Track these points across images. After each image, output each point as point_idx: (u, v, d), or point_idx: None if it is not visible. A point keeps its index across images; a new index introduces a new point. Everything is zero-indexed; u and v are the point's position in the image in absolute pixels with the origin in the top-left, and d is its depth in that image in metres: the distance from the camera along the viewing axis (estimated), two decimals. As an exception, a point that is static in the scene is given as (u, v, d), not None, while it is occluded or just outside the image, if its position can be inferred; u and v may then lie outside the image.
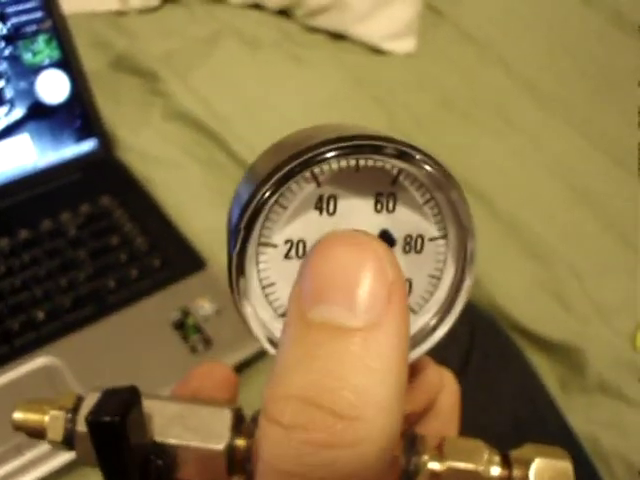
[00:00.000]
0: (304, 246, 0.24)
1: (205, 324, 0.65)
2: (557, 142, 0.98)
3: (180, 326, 0.64)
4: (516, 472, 0.23)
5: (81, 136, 0.79)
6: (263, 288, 0.24)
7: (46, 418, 0.26)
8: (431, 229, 0.24)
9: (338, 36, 1.08)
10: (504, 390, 0.53)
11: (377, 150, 0.22)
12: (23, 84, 0.75)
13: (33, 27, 0.75)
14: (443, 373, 0.28)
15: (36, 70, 0.75)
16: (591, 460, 0.56)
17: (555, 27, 1.18)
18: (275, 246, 0.24)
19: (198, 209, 0.79)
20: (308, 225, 0.24)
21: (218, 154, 0.86)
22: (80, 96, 0.78)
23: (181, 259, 0.71)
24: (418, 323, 0.25)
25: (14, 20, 0.74)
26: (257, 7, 1.09)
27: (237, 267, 0.23)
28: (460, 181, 0.84)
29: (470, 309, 0.62)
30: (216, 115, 0.89)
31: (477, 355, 0.53)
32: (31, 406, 0.26)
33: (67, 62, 0.77)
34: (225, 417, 0.25)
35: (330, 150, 0.22)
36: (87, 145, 0.80)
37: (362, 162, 0.23)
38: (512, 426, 0.51)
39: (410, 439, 0.24)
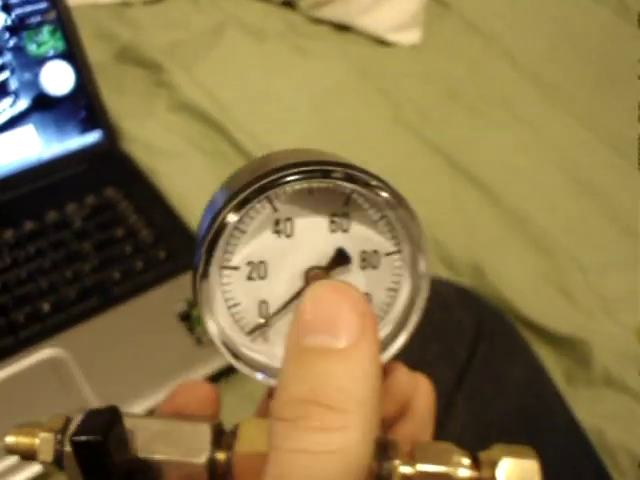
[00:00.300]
0: (265, 267, 0.26)
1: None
2: (562, 135, 0.97)
3: (186, 317, 0.64)
4: (485, 473, 0.23)
5: (86, 127, 0.79)
6: (229, 308, 0.26)
7: (37, 440, 0.26)
8: (385, 245, 0.26)
9: (343, 27, 1.07)
10: (511, 382, 0.53)
11: (327, 174, 0.24)
12: (27, 75, 0.75)
13: (37, 18, 0.75)
14: (418, 378, 0.31)
15: (40, 61, 0.75)
16: (597, 453, 0.56)
17: (560, 19, 1.17)
18: (237, 268, 0.26)
19: (203, 200, 0.78)
20: (267, 247, 0.26)
21: (223, 145, 0.86)
22: (85, 87, 0.78)
23: (186, 250, 0.71)
24: (380, 334, 0.26)
25: (18, 11, 0.74)
26: (261, -2, 1.08)
27: (200, 289, 0.25)
28: (465, 173, 0.85)
29: (477, 300, 0.62)
30: (221, 106, 0.89)
31: (484, 346, 0.53)
32: (22, 430, 0.27)
33: (72, 53, 0.77)
34: (205, 432, 0.26)
35: (284, 176, 0.24)
36: (92, 137, 0.80)
37: (315, 185, 0.25)
38: (519, 418, 0.51)
39: (382, 445, 0.24)
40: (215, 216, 0.25)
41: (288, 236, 0.26)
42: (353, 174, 0.25)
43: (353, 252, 0.26)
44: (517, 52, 1.09)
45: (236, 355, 0.27)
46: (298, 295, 0.26)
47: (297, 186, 0.25)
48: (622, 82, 1.06)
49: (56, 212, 0.73)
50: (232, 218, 0.24)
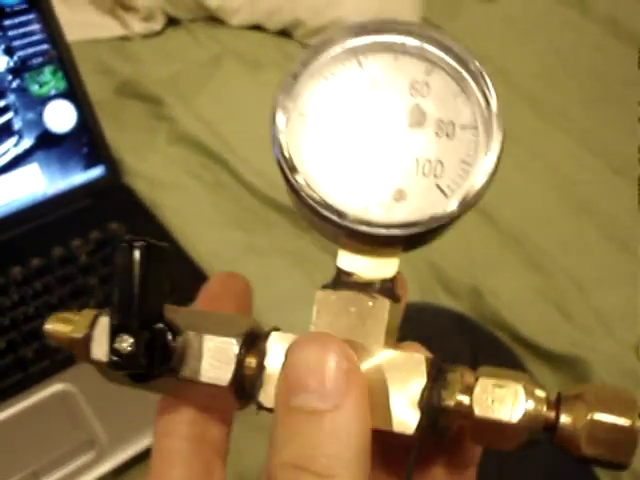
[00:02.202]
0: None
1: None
2: (556, 152, 0.99)
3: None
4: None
5: (89, 163, 0.81)
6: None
7: (72, 325, 0.27)
8: (462, 117, 0.26)
9: (338, 54, 1.09)
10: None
11: (414, 35, 0.27)
12: (31, 115, 0.77)
13: (39, 59, 0.77)
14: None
15: (43, 101, 0.77)
16: (597, 475, 0.57)
17: (552, 38, 1.19)
18: (317, 110, 0.27)
19: (205, 231, 0.81)
20: (348, 100, 0.27)
21: (223, 176, 0.88)
22: (87, 124, 0.80)
23: (188, 282, 0.72)
24: (447, 205, 0.26)
25: (20, 53, 0.76)
26: (257, 28, 1.10)
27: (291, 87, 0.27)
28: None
29: (474, 327, 0.63)
30: (220, 137, 0.91)
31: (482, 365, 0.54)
32: (59, 317, 0.28)
33: (73, 92, 0.79)
34: (244, 321, 0.27)
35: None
36: (95, 172, 0.82)
37: (402, 48, 0.27)
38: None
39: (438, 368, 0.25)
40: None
41: (369, 92, 0.27)
42: (441, 40, 0.26)
43: (430, 116, 0.27)
44: (510, 71, 1.11)
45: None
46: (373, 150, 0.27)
47: (388, 45, 0.27)
48: (615, 98, 1.08)
49: (61, 248, 0.74)
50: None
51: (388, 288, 0.27)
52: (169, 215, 0.81)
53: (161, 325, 0.24)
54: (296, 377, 0.22)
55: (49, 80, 0.78)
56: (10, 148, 0.76)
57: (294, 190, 0.26)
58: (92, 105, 0.80)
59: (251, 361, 0.25)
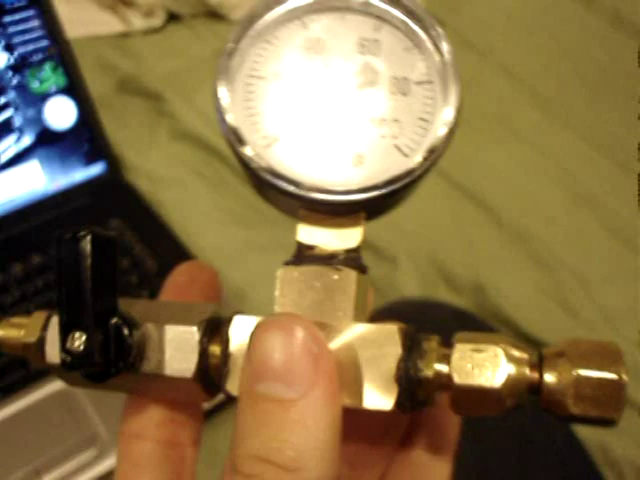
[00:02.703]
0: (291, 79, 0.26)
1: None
2: (560, 148, 0.98)
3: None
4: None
5: (89, 160, 0.81)
6: (250, 116, 0.26)
7: (23, 330, 0.26)
8: (416, 73, 0.25)
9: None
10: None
11: None
12: (31, 112, 0.76)
13: (39, 56, 0.76)
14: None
15: (43, 97, 0.77)
16: (599, 469, 0.56)
17: (556, 32, 1.18)
18: (263, 78, 0.26)
19: (206, 228, 0.80)
20: (295, 63, 0.26)
21: (224, 172, 0.88)
22: (87, 121, 0.80)
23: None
24: (407, 164, 0.25)
25: (21, 50, 0.75)
26: (258, 23, 1.10)
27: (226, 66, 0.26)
28: (463, 190, 0.86)
29: (474, 322, 0.62)
30: (221, 134, 0.90)
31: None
32: (8, 322, 0.27)
33: (73, 88, 0.79)
34: (205, 308, 0.25)
35: None
36: (96, 168, 0.81)
37: (347, 5, 0.26)
38: (518, 439, 0.52)
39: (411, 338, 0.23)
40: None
41: (317, 53, 0.26)
42: None
43: (383, 74, 0.26)
44: (513, 67, 1.10)
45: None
46: (320, 106, 0.26)
47: (331, 4, 0.26)
48: (619, 93, 1.07)
49: (62, 245, 0.74)
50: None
51: (353, 259, 0.26)
52: (170, 211, 0.80)
53: (116, 319, 0.23)
54: (260, 363, 0.21)
55: (49, 77, 0.77)
56: (10, 145, 0.75)
57: (245, 164, 0.25)
58: (92, 101, 0.80)
59: (215, 349, 0.24)
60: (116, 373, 0.23)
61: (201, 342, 0.24)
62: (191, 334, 0.24)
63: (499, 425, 0.54)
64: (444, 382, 0.23)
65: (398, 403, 0.23)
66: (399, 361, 0.23)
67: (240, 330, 0.24)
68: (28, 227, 0.77)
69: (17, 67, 0.75)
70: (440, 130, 0.25)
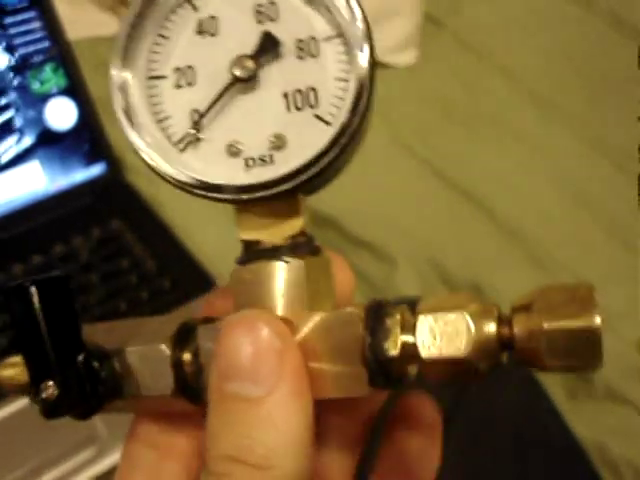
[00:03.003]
0: (193, 72, 0.24)
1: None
2: (558, 149, 0.99)
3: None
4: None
5: (90, 160, 0.81)
6: (158, 122, 0.24)
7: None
8: (321, 29, 0.23)
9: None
10: (506, 403, 0.54)
11: None
12: (32, 113, 0.77)
13: (40, 57, 0.77)
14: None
15: (44, 98, 0.77)
16: (596, 468, 0.57)
17: (555, 34, 1.18)
18: (164, 77, 0.24)
19: (206, 229, 0.81)
20: (193, 50, 0.24)
21: (224, 173, 0.88)
22: (88, 121, 0.80)
23: (190, 279, 0.73)
24: (330, 134, 0.23)
25: (22, 51, 0.76)
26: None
27: (116, 97, 0.24)
28: (462, 191, 0.86)
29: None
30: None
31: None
32: (8, 362, 0.26)
33: (74, 89, 0.79)
34: (173, 320, 0.25)
35: None
36: (96, 169, 0.81)
37: None
38: (515, 440, 0.52)
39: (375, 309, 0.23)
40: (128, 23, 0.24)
41: (213, 35, 0.24)
42: None
43: (287, 40, 0.23)
44: (512, 68, 1.11)
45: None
46: (225, 91, 0.24)
47: None
48: (618, 94, 1.07)
49: (63, 245, 0.75)
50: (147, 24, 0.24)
51: (301, 244, 0.24)
52: (171, 212, 0.80)
53: (83, 355, 0.23)
54: (227, 363, 0.21)
55: (50, 78, 0.78)
56: (11, 146, 0.76)
57: (156, 173, 0.24)
58: (93, 102, 0.80)
59: (188, 358, 0.24)
60: (100, 406, 0.23)
61: (173, 357, 0.23)
62: (161, 351, 0.24)
63: (496, 428, 0.54)
64: (412, 357, 0.22)
65: (373, 384, 0.22)
66: (363, 345, 0.22)
67: (208, 338, 0.23)
68: (29, 228, 0.77)
69: (18, 68, 0.76)
70: (360, 85, 0.23)
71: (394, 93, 1.05)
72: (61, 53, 0.78)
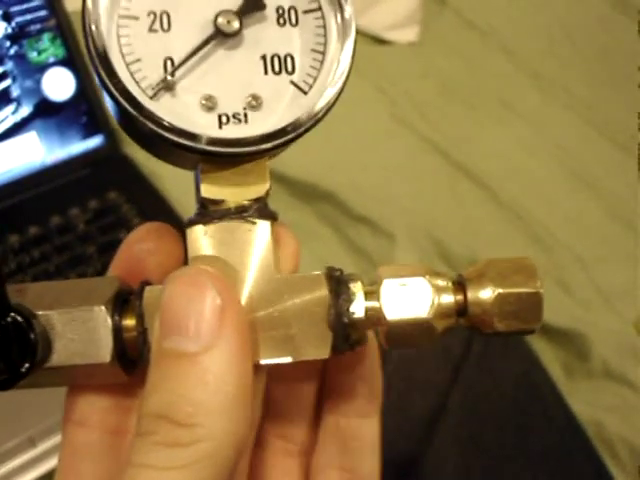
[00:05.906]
0: (168, 18, 0.23)
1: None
2: (560, 129, 0.98)
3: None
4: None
5: (88, 132, 0.80)
6: (128, 64, 0.23)
7: None
8: (302, 1, 0.24)
9: (340, 27, 1.08)
10: (506, 377, 0.54)
11: None
12: (29, 82, 0.76)
13: (37, 26, 0.76)
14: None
15: (41, 68, 0.76)
16: (594, 446, 0.57)
17: (557, 13, 1.17)
18: (136, 18, 0.23)
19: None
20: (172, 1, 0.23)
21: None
22: (85, 92, 0.79)
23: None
24: (307, 105, 0.23)
25: (19, 19, 0.75)
26: None
27: (91, 37, 0.22)
28: (463, 169, 0.86)
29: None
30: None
31: (478, 342, 0.54)
32: None
33: (72, 60, 0.78)
34: (109, 282, 0.23)
35: None
36: (94, 141, 0.81)
37: None
38: (513, 413, 0.52)
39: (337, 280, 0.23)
40: None
41: None
42: None
43: (270, 6, 0.24)
44: (515, 47, 1.10)
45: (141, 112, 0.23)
46: (205, 44, 0.23)
47: None
48: (621, 76, 1.06)
49: (60, 216, 0.74)
50: None
51: (263, 208, 0.24)
52: (168, 185, 0.80)
53: (11, 315, 0.21)
54: (168, 317, 0.20)
55: (48, 47, 0.77)
56: (8, 116, 0.75)
57: (133, 120, 0.23)
58: (91, 73, 0.79)
59: (128, 324, 0.23)
60: (26, 374, 0.21)
61: (113, 321, 0.22)
62: (100, 314, 0.22)
63: (495, 400, 0.54)
64: (376, 319, 0.23)
65: (334, 348, 0.22)
66: (329, 307, 0.22)
67: (153, 302, 0.22)
68: (25, 198, 0.76)
69: (15, 37, 0.75)
70: (335, 63, 0.24)
71: (395, 70, 1.04)
72: (59, 23, 0.77)
